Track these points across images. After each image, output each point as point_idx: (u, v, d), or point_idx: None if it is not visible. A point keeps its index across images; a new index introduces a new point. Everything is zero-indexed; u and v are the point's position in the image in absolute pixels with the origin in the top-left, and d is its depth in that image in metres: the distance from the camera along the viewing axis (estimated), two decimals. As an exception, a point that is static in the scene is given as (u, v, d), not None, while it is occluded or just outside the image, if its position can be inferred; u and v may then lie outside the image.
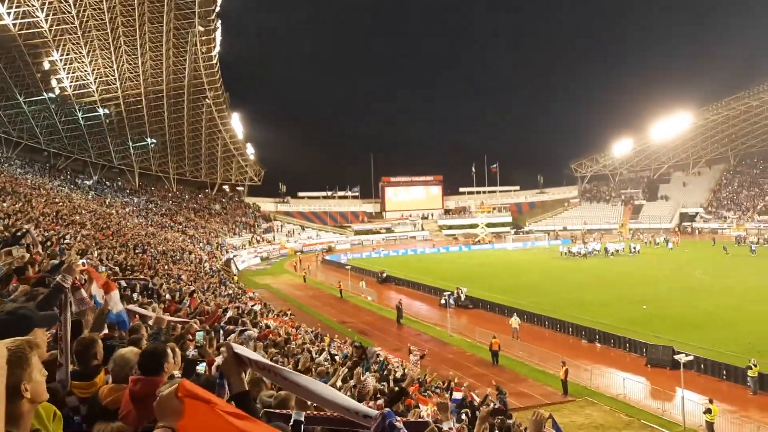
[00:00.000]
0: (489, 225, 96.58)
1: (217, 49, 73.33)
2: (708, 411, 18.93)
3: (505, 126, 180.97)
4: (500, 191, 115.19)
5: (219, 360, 4.46)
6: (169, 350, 3.86)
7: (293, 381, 2.53)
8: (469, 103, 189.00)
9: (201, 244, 63.83)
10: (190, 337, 8.62)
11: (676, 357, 21.90)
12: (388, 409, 2.69)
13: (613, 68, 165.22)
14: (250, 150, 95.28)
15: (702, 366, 24.60)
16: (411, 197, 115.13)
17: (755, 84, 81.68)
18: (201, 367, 5.33)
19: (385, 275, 56.58)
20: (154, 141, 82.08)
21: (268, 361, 2.67)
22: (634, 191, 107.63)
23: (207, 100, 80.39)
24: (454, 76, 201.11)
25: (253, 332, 15.45)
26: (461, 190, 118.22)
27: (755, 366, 22.40)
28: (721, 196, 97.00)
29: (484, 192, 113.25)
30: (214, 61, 75.37)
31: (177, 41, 69.61)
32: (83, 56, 61.47)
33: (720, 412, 19.38)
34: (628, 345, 28.96)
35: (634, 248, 68.01)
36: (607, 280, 48.47)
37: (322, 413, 3.07)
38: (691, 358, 22.35)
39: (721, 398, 21.08)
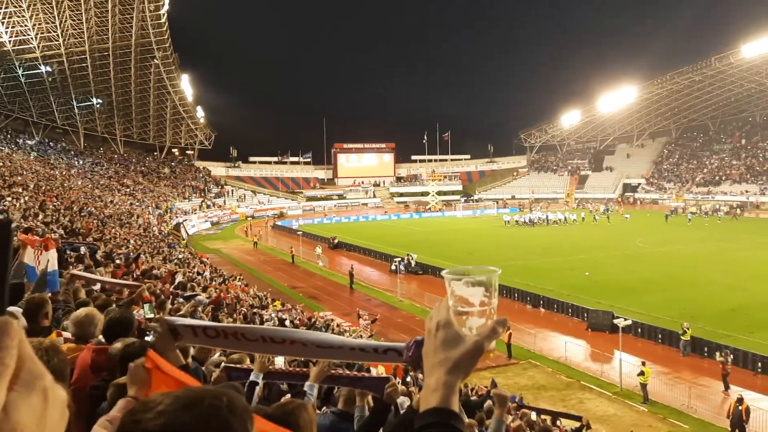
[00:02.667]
0: (440, 193, 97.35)
1: (166, 7, 70.86)
2: (641, 373, 19.89)
3: (457, 95, 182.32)
4: (451, 160, 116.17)
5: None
6: (135, 320, 3.81)
7: (282, 338, 2.24)
8: (422, 72, 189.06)
9: (150, 208, 62.57)
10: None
11: (615, 321, 22.76)
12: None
13: (564, 40, 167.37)
14: (200, 113, 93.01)
15: (639, 330, 25.67)
16: (363, 164, 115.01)
17: (699, 58, 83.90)
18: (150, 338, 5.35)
19: (336, 241, 56.72)
20: (99, 101, 79.14)
21: (225, 324, 2.52)
22: (580, 162, 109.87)
23: (155, 60, 77.82)
24: (408, 45, 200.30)
25: (203, 297, 15.46)
26: (413, 157, 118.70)
27: (687, 330, 23.58)
28: (662, 167, 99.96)
29: (436, 160, 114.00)
30: (163, 20, 72.80)
31: (123, -2, 67.04)
32: (23, 10, 58.64)
33: (654, 374, 20.38)
34: (570, 310, 29.94)
35: (575, 217, 69.72)
36: (552, 247, 49.70)
37: (278, 369, 2.96)
38: (629, 322, 23.31)
39: (656, 360, 22.18)
